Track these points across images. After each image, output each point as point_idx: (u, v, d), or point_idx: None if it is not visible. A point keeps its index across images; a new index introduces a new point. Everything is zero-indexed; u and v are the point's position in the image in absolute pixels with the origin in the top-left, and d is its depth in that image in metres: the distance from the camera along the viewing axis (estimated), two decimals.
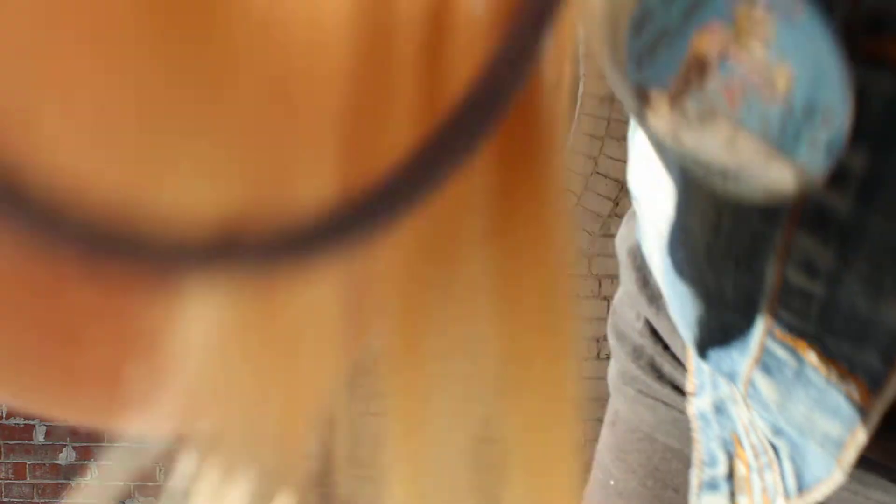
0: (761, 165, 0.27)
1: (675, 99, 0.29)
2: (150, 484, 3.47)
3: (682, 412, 0.47)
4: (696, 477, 0.44)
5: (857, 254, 0.28)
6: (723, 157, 0.28)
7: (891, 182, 0.26)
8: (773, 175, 0.27)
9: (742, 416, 0.39)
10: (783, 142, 0.26)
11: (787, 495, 0.37)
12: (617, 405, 0.56)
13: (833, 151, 0.25)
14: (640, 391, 0.54)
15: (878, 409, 0.30)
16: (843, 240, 0.28)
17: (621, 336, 0.55)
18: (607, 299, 3.43)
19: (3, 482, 3.47)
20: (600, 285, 3.43)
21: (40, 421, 3.46)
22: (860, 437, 0.31)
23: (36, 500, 3.46)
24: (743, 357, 0.34)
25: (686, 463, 0.46)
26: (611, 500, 0.53)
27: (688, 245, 0.34)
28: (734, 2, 0.25)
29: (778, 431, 0.37)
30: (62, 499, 3.47)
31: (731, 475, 0.41)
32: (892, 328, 0.28)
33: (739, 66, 0.26)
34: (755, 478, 0.39)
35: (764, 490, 0.38)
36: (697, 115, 0.28)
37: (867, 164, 0.26)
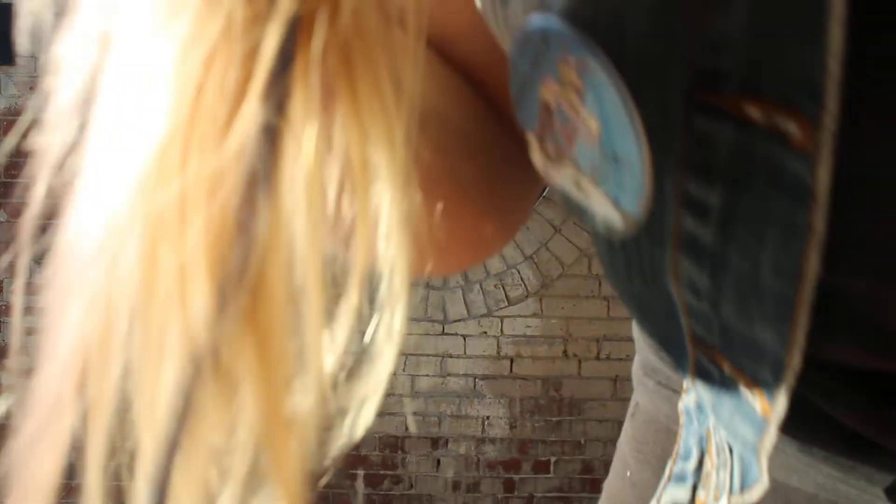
0: (597, 203, 0.30)
1: (541, 141, 0.32)
2: None
3: None
4: (668, 469, 0.46)
5: (724, 281, 0.29)
6: (575, 194, 0.32)
7: (744, 218, 0.27)
8: (606, 212, 0.30)
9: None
10: (604, 182, 0.30)
11: (731, 492, 0.39)
12: (638, 397, 0.57)
13: (639, 196, 0.28)
14: (660, 382, 0.54)
15: (776, 420, 0.31)
16: (712, 267, 0.29)
17: None
18: (607, 299, 3.43)
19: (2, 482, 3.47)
20: (600, 285, 3.44)
21: None
22: (767, 444, 0.32)
23: None
24: (685, 363, 0.36)
25: None
26: (625, 490, 0.55)
27: (603, 263, 0.37)
28: (558, 60, 0.28)
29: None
30: (62, 499, 3.47)
31: (699, 469, 0.43)
32: (770, 348, 0.29)
33: (569, 114, 0.29)
34: (714, 473, 0.41)
35: (717, 486, 0.40)
36: (555, 155, 0.31)
37: (722, 201, 0.27)
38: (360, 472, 3.48)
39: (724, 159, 0.26)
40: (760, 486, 0.37)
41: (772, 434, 0.32)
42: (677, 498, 0.44)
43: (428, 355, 3.47)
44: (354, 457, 3.48)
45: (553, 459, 3.47)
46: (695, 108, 0.26)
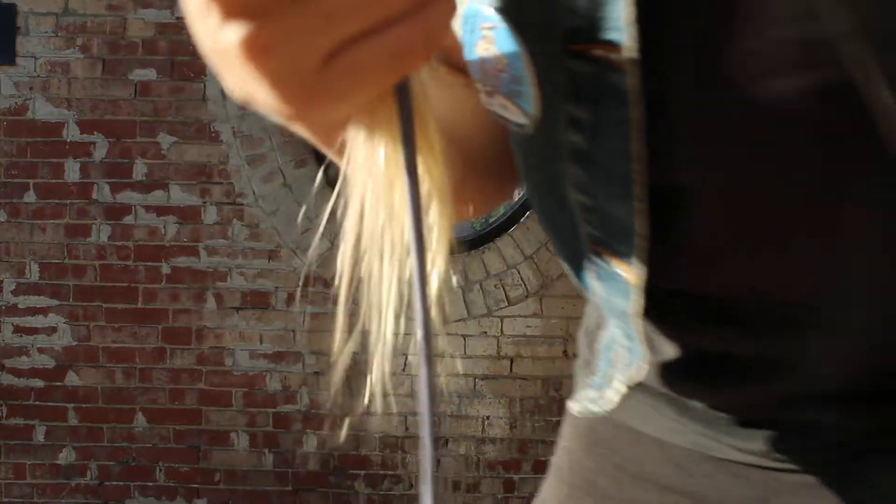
0: (514, 114, 0.46)
1: (483, 85, 0.47)
2: (150, 484, 3.47)
3: None
4: (586, 384, 0.62)
5: (597, 175, 0.44)
6: (503, 112, 0.47)
7: (602, 124, 0.42)
8: (518, 118, 0.46)
9: (617, 331, 0.56)
10: (515, 98, 0.45)
11: (620, 379, 0.56)
12: (576, 388, 0.71)
13: (533, 101, 0.44)
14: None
15: (638, 282, 0.46)
16: (588, 166, 0.44)
17: (589, 332, 0.68)
18: None
19: (3, 482, 3.47)
20: None
21: (40, 421, 3.46)
22: (636, 307, 0.48)
23: (36, 500, 3.47)
24: (585, 268, 0.50)
25: (614, 423, 0.63)
26: (561, 457, 0.68)
27: (527, 187, 0.52)
28: (480, 25, 0.44)
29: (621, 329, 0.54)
30: (62, 499, 3.47)
31: (609, 383, 0.59)
32: (625, 222, 0.44)
33: (491, 58, 0.45)
34: (616, 377, 0.58)
35: (617, 380, 0.58)
36: (490, 91, 0.47)
37: (589, 115, 0.42)
38: (361, 473, 3.48)
39: (587, 86, 0.41)
40: (642, 359, 0.53)
41: (638, 297, 0.47)
42: (590, 395, 0.61)
43: None
44: (354, 457, 3.48)
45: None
46: (567, 54, 0.41)
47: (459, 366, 3.47)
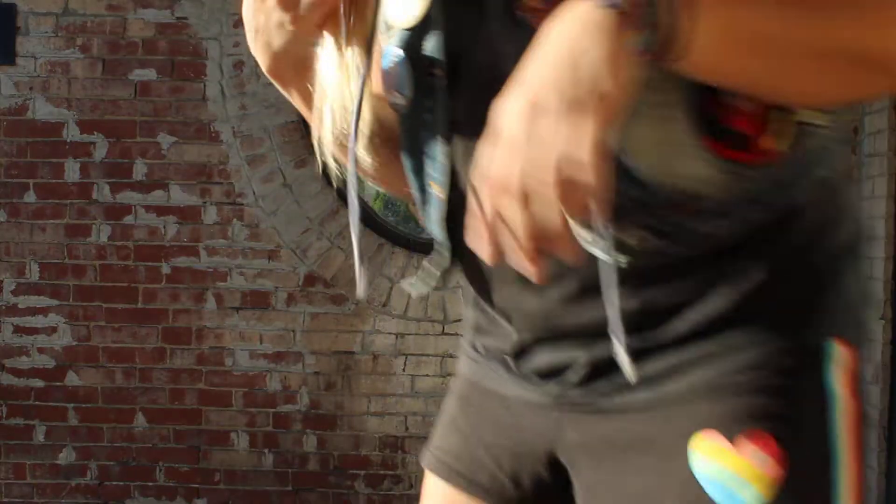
0: (400, 99, 0.78)
1: (385, 88, 0.80)
2: (150, 484, 3.47)
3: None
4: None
5: (434, 136, 0.76)
6: (397, 102, 0.79)
7: (439, 110, 0.77)
8: (401, 104, 0.79)
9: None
10: (401, 90, 0.77)
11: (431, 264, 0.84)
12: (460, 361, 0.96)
13: (409, 88, 0.77)
14: (473, 347, 0.94)
15: (442, 195, 0.77)
16: (431, 132, 0.77)
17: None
18: None
19: (3, 482, 3.47)
20: None
21: (40, 421, 3.46)
22: (439, 212, 0.78)
23: (36, 500, 3.47)
24: (427, 206, 0.80)
25: (476, 386, 0.88)
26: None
27: (403, 151, 0.81)
28: (391, 52, 0.77)
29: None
30: (62, 499, 3.47)
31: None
32: (439, 157, 0.76)
33: (393, 71, 0.77)
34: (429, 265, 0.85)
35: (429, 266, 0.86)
36: (387, 93, 0.79)
37: (432, 103, 0.77)
38: (360, 473, 3.48)
39: (430, 88, 0.75)
40: (443, 252, 0.81)
41: (441, 206, 0.77)
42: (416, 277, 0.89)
43: (428, 355, 3.47)
44: (354, 457, 3.48)
45: None
46: (425, 72, 0.75)
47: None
